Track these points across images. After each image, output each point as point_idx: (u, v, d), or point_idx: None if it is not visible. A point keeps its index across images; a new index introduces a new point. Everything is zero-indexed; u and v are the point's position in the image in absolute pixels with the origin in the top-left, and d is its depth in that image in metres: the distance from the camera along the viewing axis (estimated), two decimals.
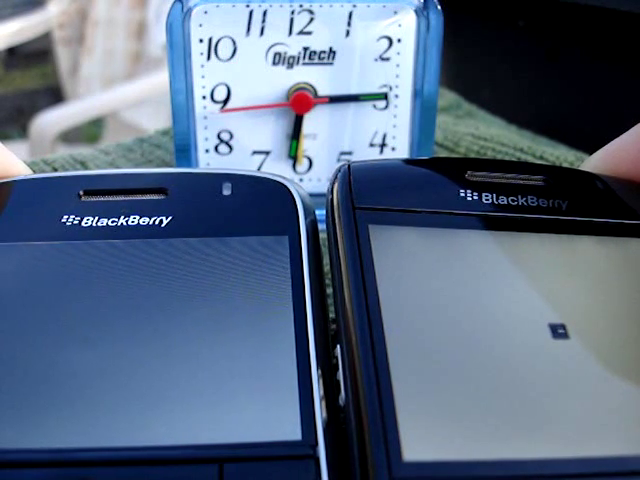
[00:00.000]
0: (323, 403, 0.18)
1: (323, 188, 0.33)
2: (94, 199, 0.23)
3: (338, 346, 0.19)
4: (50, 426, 0.17)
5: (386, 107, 0.32)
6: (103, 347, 0.19)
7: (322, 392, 0.18)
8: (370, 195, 0.22)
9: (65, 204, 0.22)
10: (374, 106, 0.32)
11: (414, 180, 0.23)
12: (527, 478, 0.16)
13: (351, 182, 0.22)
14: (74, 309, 0.20)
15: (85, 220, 0.22)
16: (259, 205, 0.22)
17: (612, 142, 0.24)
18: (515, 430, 0.17)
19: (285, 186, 0.23)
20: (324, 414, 0.18)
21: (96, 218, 0.22)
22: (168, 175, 0.24)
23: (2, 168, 0.23)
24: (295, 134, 0.32)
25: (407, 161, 0.26)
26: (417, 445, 0.16)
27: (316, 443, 0.17)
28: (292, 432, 0.17)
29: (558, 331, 0.19)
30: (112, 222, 0.22)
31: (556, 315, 0.19)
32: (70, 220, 0.22)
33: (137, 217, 0.22)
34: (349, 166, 0.23)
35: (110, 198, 0.23)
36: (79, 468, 0.16)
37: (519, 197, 0.22)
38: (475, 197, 0.22)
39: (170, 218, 0.22)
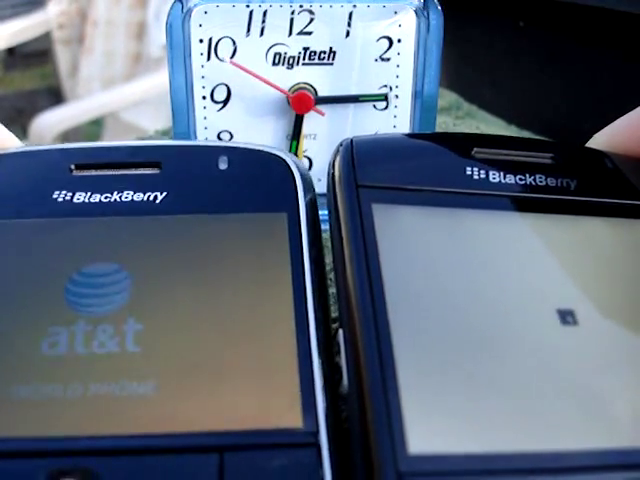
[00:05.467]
0: (324, 390, 0.17)
1: (323, 188, 0.33)
2: (86, 173, 0.22)
3: (340, 331, 0.18)
4: (49, 414, 0.17)
5: (386, 107, 0.32)
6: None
7: (323, 378, 0.17)
8: (374, 172, 0.21)
9: (56, 179, 0.21)
10: (374, 106, 0.32)
11: (419, 156, 0.22)
12: (537, 471, 0.15)
13: (354, 158, 0.21)
14: (67, 288, 0.19)
15: (77, 196, 0.21)
16: (257, 180, 0.21)
17: (621, 118, 0.23)
18: (524, 421, 0.16)
19: (284, 160, 0.22)
20: (325, 401, 0.17)
21: (88, 194, 0.21)
22: (162, 148, 0.23)
23: None
24: (295, 134, 0.32)
25: (412, 135, 0.25)
26: (423, 437, 0.16)
27: (317, 430, 0.16)
28: (293, 419, 0.17)
29: (567, 318, 0.18)
30: (105, 198, 0.21)
31: (565, 300, 0.19)
32: (62, 196, 0.21)
33: (131, 193, 0.21)
34: (352, 140, 0.22)
35: (102, 172, 0.22)
36: (76, 457, 0.16)
37: (527, 176, 0.21)
38: (482, 175, 0.21)
39: (165, 194, 0.21)
